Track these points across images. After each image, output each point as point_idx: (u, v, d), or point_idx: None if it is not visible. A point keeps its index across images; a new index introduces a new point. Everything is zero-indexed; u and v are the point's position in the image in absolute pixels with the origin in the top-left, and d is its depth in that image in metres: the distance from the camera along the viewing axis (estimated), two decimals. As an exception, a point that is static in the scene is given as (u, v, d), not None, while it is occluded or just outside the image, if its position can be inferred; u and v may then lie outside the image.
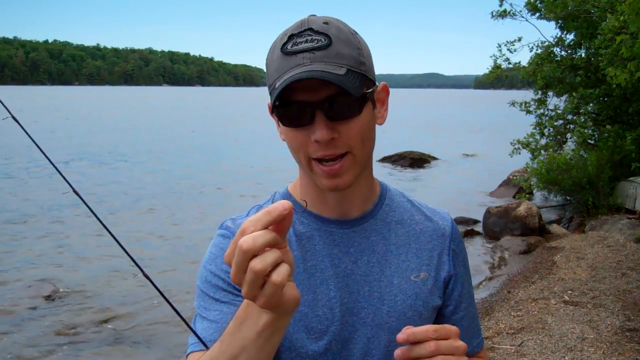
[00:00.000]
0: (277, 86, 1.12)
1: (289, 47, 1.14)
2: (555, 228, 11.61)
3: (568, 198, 12.96)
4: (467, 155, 25.63)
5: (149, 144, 28.48)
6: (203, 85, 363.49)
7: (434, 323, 1.38)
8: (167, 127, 39.99)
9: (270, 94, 1.17)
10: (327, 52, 1.12)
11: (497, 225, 11.53)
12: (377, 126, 1.27)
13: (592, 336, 5.79)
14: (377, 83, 1.25)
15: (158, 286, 1.40)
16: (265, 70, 1.23)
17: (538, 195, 14.63)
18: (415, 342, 1.05)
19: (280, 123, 1.20)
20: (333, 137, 1.14)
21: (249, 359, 1.01)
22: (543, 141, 14.01)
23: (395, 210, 1.39)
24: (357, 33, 1.22)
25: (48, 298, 8.04)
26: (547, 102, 14.29)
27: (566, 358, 5.34)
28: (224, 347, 1.04)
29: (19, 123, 1.65)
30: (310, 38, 1.13)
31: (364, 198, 1.34)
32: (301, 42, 1.13)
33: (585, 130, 13.18)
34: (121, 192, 16.16)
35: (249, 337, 1.00)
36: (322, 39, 1.13)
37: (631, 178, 11.36)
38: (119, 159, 23.05)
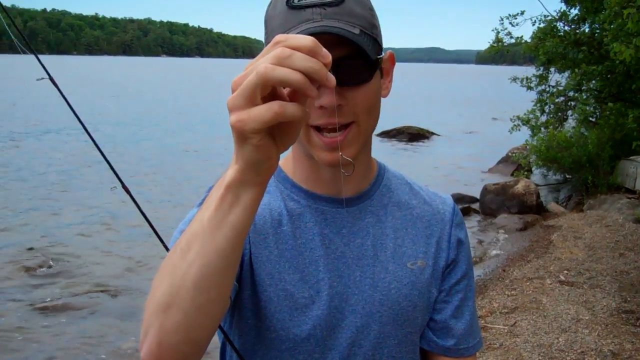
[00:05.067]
0: None
1: (295, 0, 1.03)
2: (553, 206, 11.47)
3: (567, 176, 12.82)
4: (466, 131, 25.43)
5: (143, 114, 28.26)
6: (202, 56, 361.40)
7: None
8: (162, 98, 39.71)
9: None
10: (339, 9, 1.02)
11: (494, 202, 11.38)
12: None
13: (587, 317, 5.66)
14: (383, 51, 1.13)
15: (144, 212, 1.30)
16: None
17: (537, 173, 14.47)
18: None
19: None
20: (340, 103, 1.03)
21: (203, 240, 0.83)
22: (543, 118, 13.81)
23: (393, 191, 1.29)
24: None
25: (38, 269, 7.94)
26: (549, 78, 14.05)
27: (560, 339, 5.21)
28: (187, 228, 0.89)
29: (57, 87, 1.51)
30: None
31: (361, 176, 1.23)
32: None
33: (587, 108, 12.96)
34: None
35: (209, 209, 0.84)
36: None
37: (632, 157, 11.18)
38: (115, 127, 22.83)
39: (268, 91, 0.76)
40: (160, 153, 17.98)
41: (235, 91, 0.77)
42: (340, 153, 1.03)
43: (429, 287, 1.23)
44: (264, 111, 0.74)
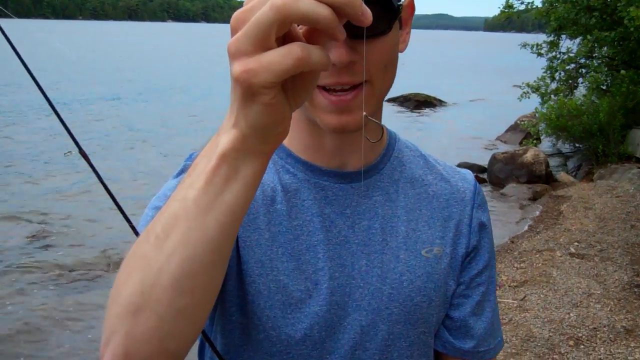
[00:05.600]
0: None
1: None
2: (562, 176, 11.28)
3: (577, 145, 12.61)
4: (475, 98, 25.10)
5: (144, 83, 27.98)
6: (208, 21, 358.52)
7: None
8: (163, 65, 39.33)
9: None
10: None
11: (502, 171, 11.19)
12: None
13: (598, 292, 5.52)
14: None
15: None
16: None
17: (546, 142, 14.25)
18: None
19: None
20: (352, 59, 0.84)
21: (187, 226, 0.64)
22: (553, 85, 13.56)
23: (405, 165, 1.10)
24: None
25: (32, 238, 7.82)
26: (560, 45, 13.75)
27: (571, 314, 5.08)
28: (163, 208, 0.69)
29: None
30: None
31: (370, 146, 1.04)
32: None
33: (599, 75, 12.69)
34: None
35: (194, 185, 0.65)
36: None
37: (644, 126, 10.96)
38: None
39: (285, 31, 0.59)
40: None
41: (237, 31, 0.59)
42: (365, 113, 0.84)
43: (446, 278, 1.05)
44: (281, 57, 0.57)
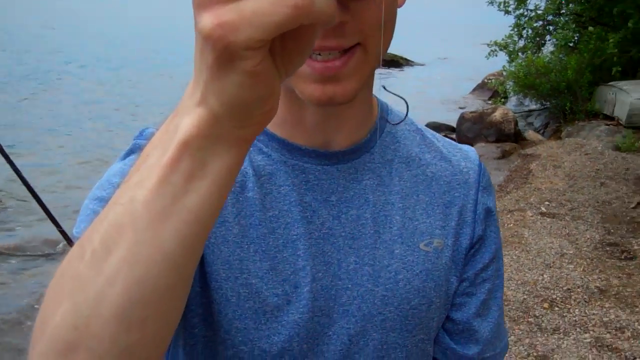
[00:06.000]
0: None
1: None
2: (530, 134, 11.28)
3: (544, 103, 12.61)
4: (441, 57, 24.99)
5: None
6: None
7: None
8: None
9: None
10: None
11: (471, 131, 11.12)
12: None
13: (571, 252, 5.48)
14: None
15: None
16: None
17: (512, 100, 14.24)
18: None
19: None
20: (343, 19, 0.67)
21: (135, 239, 0.46)
22: (521, 43, 13.50)
23: (400, 142, 0.92)
24: None
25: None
26: (527, 2, 13.65)
27: (544, 276, 5.03)
28: (102, 213, 0.50)
29: None
30: None
31: (360, 121, 0.87)
32: None
33: (567, 32, 12.64)
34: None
35: (145, 184, 0.46)
36: None
37: (611, 83, 10.94)
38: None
39: None
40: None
41: None
42: (383, 86, 0.73)
43: (448, 275, 0.89)
44: (272, 5, 0.40)
